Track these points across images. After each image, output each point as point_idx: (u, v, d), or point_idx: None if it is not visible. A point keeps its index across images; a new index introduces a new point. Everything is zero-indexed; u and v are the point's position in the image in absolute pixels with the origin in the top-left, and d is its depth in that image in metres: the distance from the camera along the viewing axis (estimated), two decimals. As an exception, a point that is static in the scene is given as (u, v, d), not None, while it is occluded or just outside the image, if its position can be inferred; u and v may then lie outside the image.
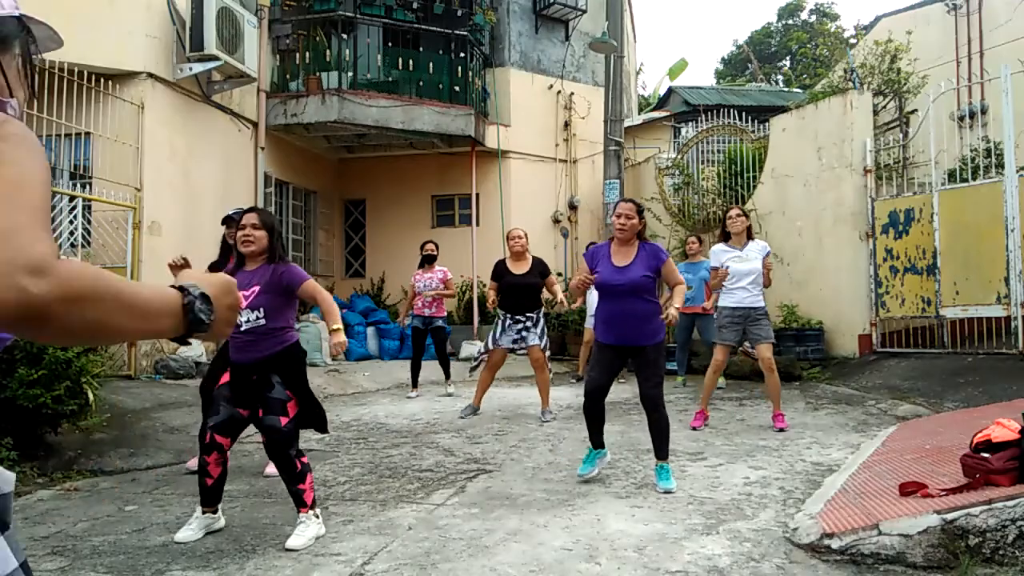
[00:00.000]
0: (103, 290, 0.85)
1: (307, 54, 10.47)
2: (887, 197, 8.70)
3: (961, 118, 10.12)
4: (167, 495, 4.20)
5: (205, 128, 8.84)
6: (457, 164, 11.99)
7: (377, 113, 10.35)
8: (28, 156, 0.91)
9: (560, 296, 6.28)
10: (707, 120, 11.59)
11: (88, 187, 7.13)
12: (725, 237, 5.99)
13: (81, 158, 7.56)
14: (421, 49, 11.14)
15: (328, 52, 10.49)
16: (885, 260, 8.55)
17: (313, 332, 9.44)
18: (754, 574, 2.83)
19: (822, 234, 9.19)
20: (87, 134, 7.16)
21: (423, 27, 11.03)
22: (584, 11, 12.70)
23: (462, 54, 11.24)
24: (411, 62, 10.91)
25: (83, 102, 6.84)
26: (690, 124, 12.27)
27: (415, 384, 8.04)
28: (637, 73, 20.22)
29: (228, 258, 4.08)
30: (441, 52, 11.20)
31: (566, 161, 12.65)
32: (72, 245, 6.96)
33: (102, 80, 7.05)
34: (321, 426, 3.54)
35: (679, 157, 11.98)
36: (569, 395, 7.92)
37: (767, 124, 10.38)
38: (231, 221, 4.53)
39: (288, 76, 10.47)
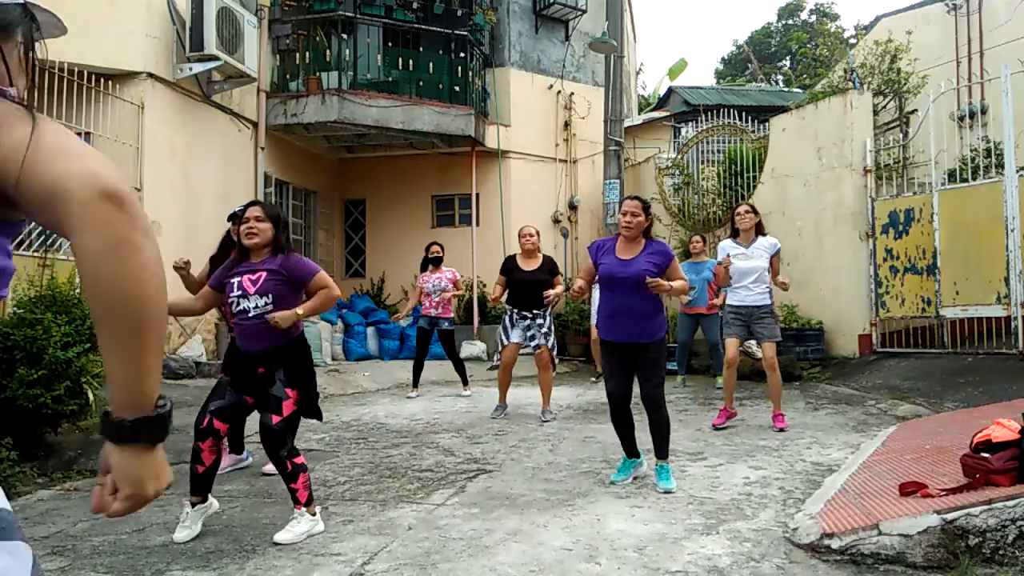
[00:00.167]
0: (156, 265, 0.98)
1: (307, 54, 10.47)
2: (887, 197, 8.70)
3: (961, 118, 10.11)
4: (167, 495, 4.20)
5: (205, 128, 8.84)
6: (457, 164, 11.99)
7: (377, 113, 10.35)
8: (65, 133, 1.01)
9: (559, 290, 6.23)
10: (707, 120, 11.59)
11: (88, 187, 7.12)
12: (734, 234, 5.91)
13: (81, 158, 7.55)
14: (421, 49, 11.14)
15: (328, 52, 10.49)
16: (885, 260, 8.55)
17: (313, 332, 9.44)
18: (754, 574, 2.83)
19: (822, 234, 9.19)
20: (87, 134, 7.15)
21: (423, 27, 11.03)
22: (584, 11, 12.70)
23: (462, 54, 11.24)
24: (411, 62, 10.91)
25: (83, 102, 6.84)
26: (690, 124, 12.26)
27: (416, 384, 8.04)
28: (637, 73, 20.21)
29: (228, 252, 4.07)
30: (441, 52, 11.20)
31: (566, 161, 12.65)
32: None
33: (102, 80, 7.05)
34: (316, 415, 3.54)
35: (679, 157, 11.97)
36: (569, 395, 7.92)
37: (767, 124, 10.38)
38: (237, 218, 4.53)
39: (288, 76, 10.47)
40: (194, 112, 8.63)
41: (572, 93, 12.67)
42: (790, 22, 34.70)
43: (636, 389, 4.23)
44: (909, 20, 12.14)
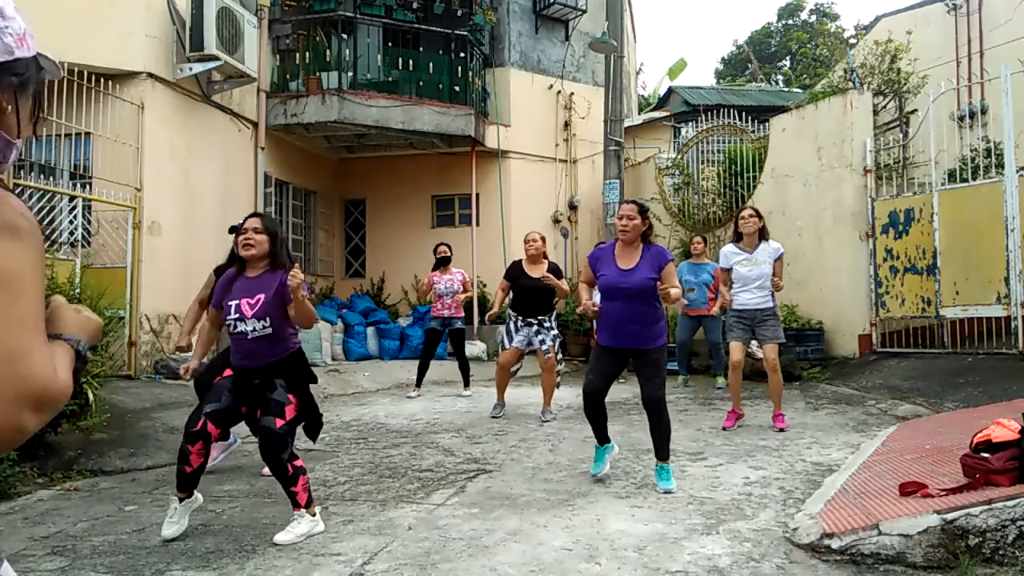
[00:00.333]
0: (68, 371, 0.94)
1: (307, 54, 10.47)
2: (887, 197, 8.70)
3: (961, 118, 10.11)
4: (167, 495, 4.19)
5: (205, 128, 8.84)
6: (457, 164, 11.99)
7: (377, 113, 10.35)
8: (17, 249, 0.86)
9: (559, 282, 6.21)
10: (707, 120, 11.59)
11: (88, 187, 7.13)
12: (737, 237, 5.85)
13: (81, 158, 7.56)
14: (421, 49, 11.14)
15: (328, 52, 10.49)
16: (885, 260, 8.55)
17: (313, 332, 9.44)
18: (754, 574, 2.83)
19: (822, 234, 9.19)
20: (87, 134, 7.16)
21: (423, 27, 11.03)
22: (584, 11, 12.70)
23: (462, 54, 11.24)
24: (411, 62, 10.91)
25: (83, 102, 6.84)
26: (690, 124, 12.25)
27: (419, 383, 8.04)
28: (637, 73, 20.21)
29: (233, 264, 4.08)
30: (441, 52, 11.20)
31: (566, 161, 12.65)
32: (72, 245, 6.96)
33: (102, 80, 7.05)
34: (313, 433, 3.56)
35: (679, 157, 11.97)
36: (569, 395, 7.91)
37: (767, 124, 10.38)
38: (238, 230, 4.54)
39: (288, 76, 10.46)
40: (194, 112, 8.63)
41: (572, 93, 12.67)
42: (790, 22, 34.70)
43: (636, 389, 4.23)
44: (909, 20, 12.14)
